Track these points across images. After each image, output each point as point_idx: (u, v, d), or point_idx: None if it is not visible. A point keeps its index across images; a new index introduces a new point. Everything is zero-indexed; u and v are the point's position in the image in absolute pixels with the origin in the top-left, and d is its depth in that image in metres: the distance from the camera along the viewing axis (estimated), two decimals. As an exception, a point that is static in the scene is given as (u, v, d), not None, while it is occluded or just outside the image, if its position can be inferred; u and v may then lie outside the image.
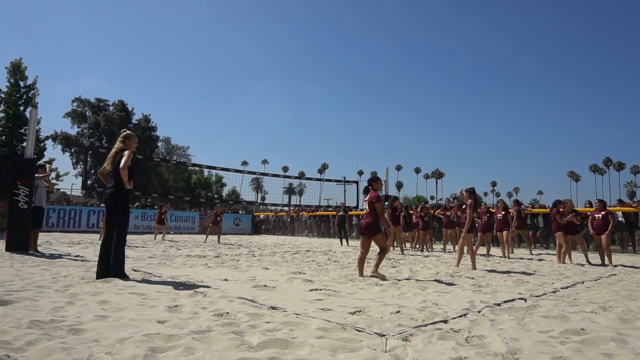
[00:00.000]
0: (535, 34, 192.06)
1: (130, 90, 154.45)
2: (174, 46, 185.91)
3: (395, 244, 12.22)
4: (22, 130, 18.37)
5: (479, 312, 3.65)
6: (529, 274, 6.70)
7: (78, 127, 45.54)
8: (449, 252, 12.02)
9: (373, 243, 6.07)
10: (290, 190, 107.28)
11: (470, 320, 3.28)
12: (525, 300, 4.30)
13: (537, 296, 4.56)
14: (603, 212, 9.11)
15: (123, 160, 4.96)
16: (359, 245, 14.10)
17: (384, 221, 5.71)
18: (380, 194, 6.19)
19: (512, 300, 4.26)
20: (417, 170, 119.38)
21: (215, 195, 53.55)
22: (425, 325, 3.11)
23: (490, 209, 11.42)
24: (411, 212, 13.25)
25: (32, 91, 19.39)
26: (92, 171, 36.59)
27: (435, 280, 5.65)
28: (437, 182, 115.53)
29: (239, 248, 11.78)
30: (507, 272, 7.00)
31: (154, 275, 5.42)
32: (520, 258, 10.23)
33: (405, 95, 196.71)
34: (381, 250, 5.92)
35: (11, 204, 8.27)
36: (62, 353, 2.22)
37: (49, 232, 17.03)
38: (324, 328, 2.93)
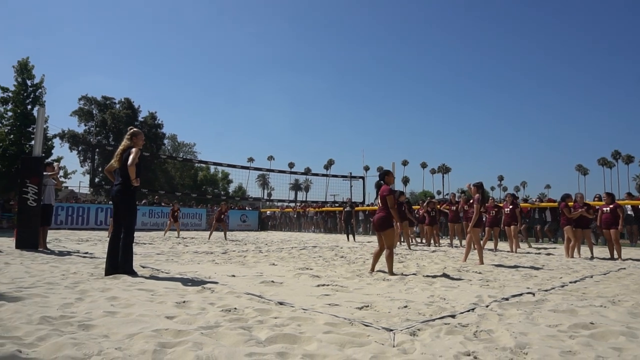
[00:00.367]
0: (542, 28, 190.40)
1: (137, 88, 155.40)
2: (180, 43, 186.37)
3: (402, 239, 12.20)
4: (30, 129, 18.50)
5: (487, 306, 3.64)
6: (537, 269, 6.66)
7: (85, 125, 45.80)
8: (455, 246, 11.98)
9: None
10: (296, 187, 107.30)
11: (478, 315, 3.27)
12: (534, 294, 4.28)
13: (546, 290, 4.54)
14: (611, 206, 9.04)
15: (131, 157, 4.98)
16: (365, 241, 14.15)
17: (395, 215, 5.67)
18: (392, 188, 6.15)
19: (520, 294, 4.24)
20: (424, 165, 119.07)
21: (222, 192, 53.72)
22: (433, 320, 3.10)
23: (498, 204, 11.35)
24: (416, 207, 13.19)
25: (40, 90, 19.51)
26: (100, 169, 36.77)
27: (443, 275, 5.64)
28: (443, 177, 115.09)
29: (246, 244, 11.82)
30: (515, 266, 6.97)
31: (162, 272, 5.45)
32: (528, 252, 10.18)
33: (411, 90, 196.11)
34: (387, 249, 5.73)
35: (20, 202, 8.34)
36: (73, 348, 2.24)
37: (57, 229, 17.17)
38: (332, 323, 2.94)
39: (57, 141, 36.22)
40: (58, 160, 19.51)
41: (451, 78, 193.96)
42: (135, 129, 5.37)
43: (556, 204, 13.55)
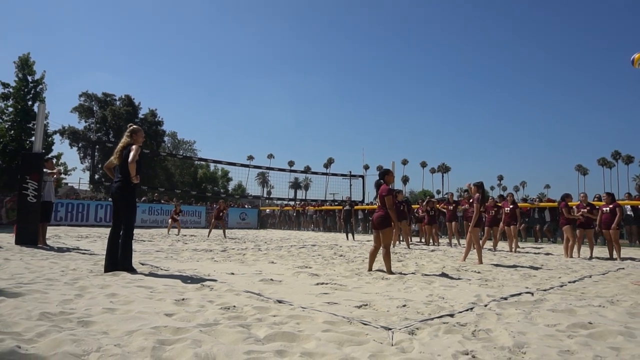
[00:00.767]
0: (542, 28, 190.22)
1: (137, 85, 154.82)
2: (181, 41, 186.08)
3: (401, 238, 12.21)
4: (30, 125, 18.48)
5: (486, 306, 3.64)
6: (536, 268, 6.67)
7: (85, 121, 45.79)
8: (455, 245, 11.99)
9: None
10: (296, 185, 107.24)
11: (477, 314, 3.28)
12: (532, 294, 4.28)
13: (544, 290, 4.55)
14: (611, 206, 9.04)
15: (131, 154, 4.97)
16: (364, 240, 14.16)
17: (393, 215, 5.68)
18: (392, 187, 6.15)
19: (519, 294, 4.25)
20: (423, 165, 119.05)
21: (222, 190, 53.71)
22: (432, 319, 3.11)
23: (498, 203, 11.36)
24: (415, 207, 13.20)
25: (40, 86, 19.48)
26: (100, 165, 36.75)
27: (442, 274, 5.65)
28: (443, 176, 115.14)
29: (245, 242, 11.83)
30: (514, 266, 6.98)
31: (161, 269, 5.46)
32: (527, 252, 10.19)
33: (411, 89, 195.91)
34: (384, 247, 5.75)
35: (20, 198, 8.34)
36: (72, 344, 2.24)
37: (57, 225, 17.19)
38: (330, 322, 2.94)
39: (57, 137, 36.12)
40: (58, 156, 19.49)
41: (451, 77, 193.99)
42: (135, 126, 5.36)
43: (555, 203, 13.58)
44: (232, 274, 5.26)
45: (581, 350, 2.47)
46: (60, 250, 7.66)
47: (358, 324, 2.90)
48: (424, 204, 13.19)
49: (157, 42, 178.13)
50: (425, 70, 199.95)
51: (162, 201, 22.66)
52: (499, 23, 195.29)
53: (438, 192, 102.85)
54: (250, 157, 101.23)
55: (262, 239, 13.94)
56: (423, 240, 13.40)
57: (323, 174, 21.22)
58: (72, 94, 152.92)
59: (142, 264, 5.82)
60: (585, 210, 9.17)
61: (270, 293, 3.98)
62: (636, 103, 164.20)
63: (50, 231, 12.43)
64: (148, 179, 35.48)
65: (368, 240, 13.78)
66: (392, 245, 7.48)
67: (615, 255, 8.80)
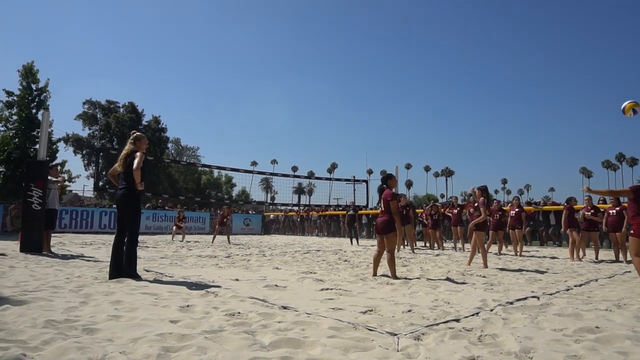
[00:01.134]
0: (545, 30, 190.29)
1: (141, 92, 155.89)
2: (184, 48, 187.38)
3: (406, 243, 12.17)
4: (34, 133, 18.56)
5: (492, 310, 3.62)
6: (542, 272, 6.63)
7: (89, 129, 46.03)
8: (459, 250, 11.94)
9: None
10: (299, 190, 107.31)
11: (483, 319, 3.26)
12: (538, 298, 4.26)
13: (550, 294, 4.52)
14: (617, 208, 9.00)
15: (136, 161, 4.99)
16: (369, 245, 14.12)
17: (397, 220, 5.67)
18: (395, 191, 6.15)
19: (525, 298, 4.22)
20: (427, 169, 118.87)
21: (225, 196, 53.78)
22: (437, 324, 3.09)
23: (503, 207, 11.32)
24: (419, 211, 13.18)
25: (44, 94, 19.57)
26: (104, 173, 36.87)
27: (447, 279, 5.62)
28: (447, 180, 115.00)
29: (250, 248, 11.82)
30: (519, 270, 6.94)
31: (166, 276, 5.46)
32: (532, 256, 10.14)
33: (414, 93, 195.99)
34: (388, 252, 5.75)
35: (25, 205, 8.38)
36: (77, 352, 2.24)
37: (61, 233, 17.23)
38: (336, 327, 2.93)
39: (61, 145, 36.24)
40: (62, 164, 19.56)
41: (455, 81, 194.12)
42: (138, 133, 5.38)
43: (560, 207, 13.52)
44: (237, 280, 5.25)
45: (588, 355, 2.45)
46: (64, 257, 7.67)
47: (363, 330, 2.89)
48: (428, 208, 13.17)
49: (161, 50, 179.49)
50: (429, 73, 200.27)
51: (166, 207, 22.70)
52: (500, 24, 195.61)
53: (442, 196, 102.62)
54: (254, 163, 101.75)
55: (266, 244, 13.94)
56: (427, 244, 13.36)
57: (327, 179, 21.26)
58: (74, 101, 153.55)
59: (147, 271, 5.82)
60: (589, 213, 9.14)
61: (275, 299, 3.98)
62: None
63: (55, 238, 12.47)
64: (152, 186, 35.56)
65: (372, 245, 13.74)
66: (396, 250, 7.47)
67: (621, 257, 8.75)
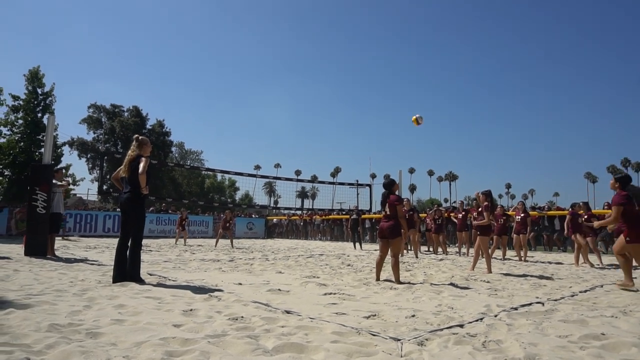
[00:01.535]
0: (549, 33, 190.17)
1: (141, 92, 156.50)
2: (189, 53, 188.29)
3: (410, 247, 12.14)
4: (40, 137, 18.68)
5: (496, 316, 3.60)
6: (546, 278, 6.59)
7: (94, 132, 46.35)
8: (463, 254, 11.89)
9: None
10: (303, 194, 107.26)
11: (487, 325, 3.24)
12: (543, 304, 4.23)
13: (555, 300, 4.49)
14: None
15: (141, 166, 5.01)
16: (372, 249, 14.09)
17: (404, 224, 5.69)
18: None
19: (530, 304, 4.20)
20: (431, 173, 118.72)
21: (229, 200, 53.88)
22: (441, 329, 3.07)
23: (507, 212, 11.27)
24: (423, 215, 13.14)
25: (50, 98, 19.73)
26: (108, 176, 36.95)
27: (450, 284, 5.60)
28: (450, 184, 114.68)
29: (253, 252, 11.82)
30: (524, 275, 6.90)
31: (169, 279, 5.46)
32: (537, 261, 10.08)
33: (417, 97, 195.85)
34: (393, 257, 5.77)
35: (30, 209, 8.41)
36: (81, 356, 2.25)
37: (66, 236, 17.28)
38: (339, 332, 2.92)
39: (66, 149, 36.54)
40: (67, 167, 19.65)
41: (459, 85, 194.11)
42: (142, 137, 5.41)
43: (565, 212, 13.45)
44: (240, 284, 5.25)
45: (594, 362, 2.43)
46: (68, 261, 7.69)
47: (367, 335, 2.88)
48: (431, 212, 13.13)
49: (164, 53, 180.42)
50: (432, 77, 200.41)
51: (170, 211, 22.74)
52: (506, 29, 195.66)
53: (446, 200, 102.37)
54: (257, 167, 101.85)
55: (270, 248, 13.93)
56: (431, 249, 13.31)
57: (330, 183, 21.19)
58: (81, 106, 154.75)
59: (150, 275, 5.83)
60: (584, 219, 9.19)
61: (278, 303, 3.97)
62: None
63: (59, 242, 12.52)
64: (156, 189, 35.70)
65: (375, 250, 13.71)
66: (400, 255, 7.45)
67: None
